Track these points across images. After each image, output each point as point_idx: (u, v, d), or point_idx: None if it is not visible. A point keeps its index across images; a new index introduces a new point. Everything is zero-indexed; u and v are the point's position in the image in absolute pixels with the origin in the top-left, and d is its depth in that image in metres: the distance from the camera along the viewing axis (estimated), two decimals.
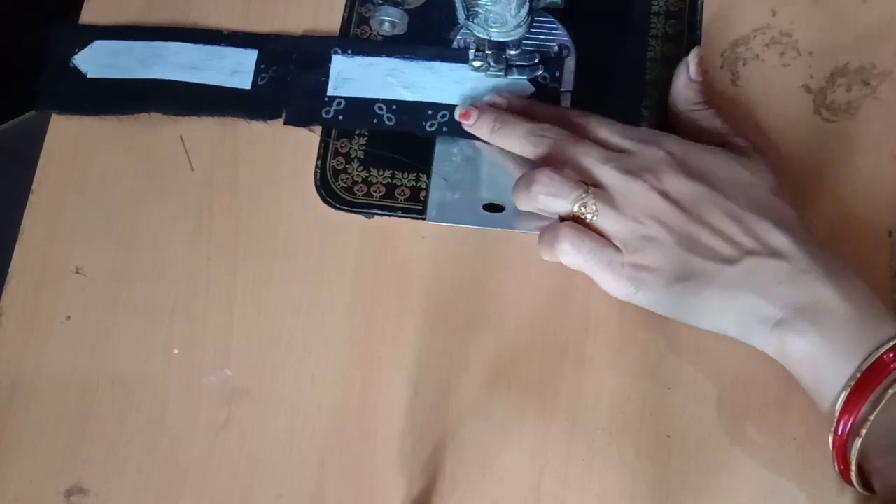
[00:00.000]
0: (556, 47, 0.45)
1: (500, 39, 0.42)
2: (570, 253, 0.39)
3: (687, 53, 0.44)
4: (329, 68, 0.47)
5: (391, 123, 0.45)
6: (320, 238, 0.45)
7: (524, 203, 0.41)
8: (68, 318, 0.45)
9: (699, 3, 0.46)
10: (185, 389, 0.43)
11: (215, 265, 0.45)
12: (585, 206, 0.39)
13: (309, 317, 0.44)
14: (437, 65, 0.46)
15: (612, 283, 0.39)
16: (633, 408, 0.41)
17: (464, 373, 0.42)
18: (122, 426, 0.43)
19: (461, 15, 0.41)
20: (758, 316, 0.36)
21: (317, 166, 0.46)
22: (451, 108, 0.46)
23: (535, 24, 0.45)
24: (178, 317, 0.45)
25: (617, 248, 0.39)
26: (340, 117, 0.46)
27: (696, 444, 0.40)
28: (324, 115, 0.46)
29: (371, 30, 0.48)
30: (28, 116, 0.83)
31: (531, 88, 0.45)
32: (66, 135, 0.48)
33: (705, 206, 0.38)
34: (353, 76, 0.46)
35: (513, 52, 0.44)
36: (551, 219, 0.42)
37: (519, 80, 0.45)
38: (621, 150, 0.40)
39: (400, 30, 0.47)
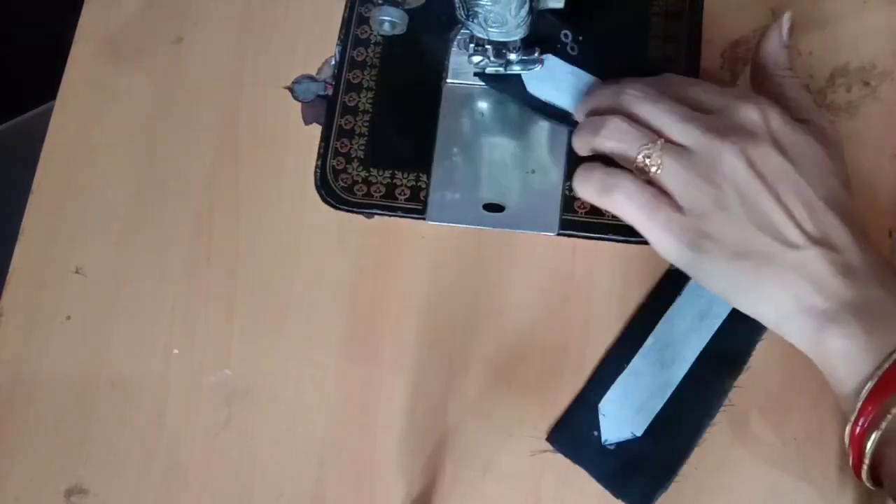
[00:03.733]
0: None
1: (500, 39, 0.42)
2: (623, 203, 0.37)
3: (687, 53, 0.44)
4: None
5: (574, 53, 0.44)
6: (320, 238, 0.45)
7: (585, 144, 0.40)
8: (68, 318, 0.45)
9: (699, 3, 0.46)
10: (185, 389, 0.43)
11: (215, 265, 0.45)
12: (650, 158, 0.37)
13: (309, 317, 0.44)
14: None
15: (670, 244, 0.37)
16: None
17: (464, 373, 0.42)
18: (122, 426, 0.43)
19: (461, 15, 0.40)
20: (804, 304, 0.35)
21: (317, 166, 0.46)
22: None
23: (534, 23, 0.45)
24: (178, 317, 0.45)
25: (677, 207, 0.37)
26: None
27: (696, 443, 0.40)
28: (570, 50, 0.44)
29: (371, 30, 0.48)
30: (28, 116, 0.83)
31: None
32: (66, 135, 0.48)
33: (785, 184, 0.36)
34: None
35: (512, 56, 0.44)
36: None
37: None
38: (710, 112, 0.38)
39: (400, 30, 0.47)
